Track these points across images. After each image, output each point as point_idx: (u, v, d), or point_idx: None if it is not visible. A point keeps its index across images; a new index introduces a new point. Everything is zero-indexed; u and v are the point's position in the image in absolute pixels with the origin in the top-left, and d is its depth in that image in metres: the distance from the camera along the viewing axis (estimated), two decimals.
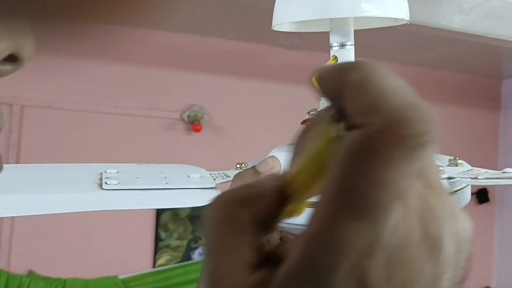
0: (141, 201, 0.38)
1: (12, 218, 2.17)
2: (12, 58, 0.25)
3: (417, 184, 0.20)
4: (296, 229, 0.38)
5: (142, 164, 0.45)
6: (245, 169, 0.40)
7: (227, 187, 0.40)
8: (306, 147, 0.22)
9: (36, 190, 0.37)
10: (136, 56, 2.35)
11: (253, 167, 0.39)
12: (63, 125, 2.25)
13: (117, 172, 0.41)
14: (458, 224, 0.21)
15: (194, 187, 0.40)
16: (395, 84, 0.19)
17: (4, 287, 2.02)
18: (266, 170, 0.39)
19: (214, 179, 0.42)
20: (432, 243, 0.20)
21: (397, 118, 0.18)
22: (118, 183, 0.38)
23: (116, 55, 2.33)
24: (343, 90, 0.20)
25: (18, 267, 2.14)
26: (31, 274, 2.12)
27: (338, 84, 0.21)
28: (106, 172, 0.40)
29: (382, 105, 0.19)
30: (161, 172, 0.42)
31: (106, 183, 0.38)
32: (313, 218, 0.20)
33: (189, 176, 0.41)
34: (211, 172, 0.44)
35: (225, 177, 0.42)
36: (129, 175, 0.41)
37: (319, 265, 0.19)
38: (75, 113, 2.26)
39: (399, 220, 0.19)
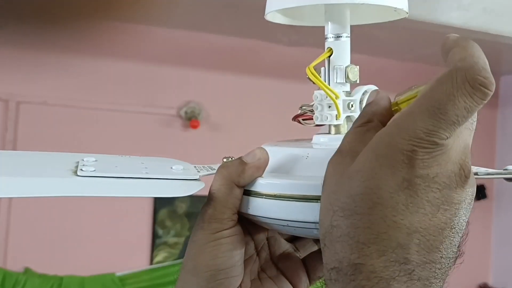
0: (118, 189, 0.36)
1: (8, 214, 2.16)
2: None
3: (467, 125, 0.29)
4: (283, 225, 0.37)
5: (123, 155, 0.44)
6: (231, 160, 0.39)
7: (211, 179, 0.39)
8: (408, 90, 0.33)
9: (7, 173, 0.36)
10: (133, 52, 2.34)
11: (240, 157, 0.39)
12: (59, 121, 2.24)
13: (95, 160, 0.39)
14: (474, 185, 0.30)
15: (175, 177, 0.38)
16: (483, 58, 0.29)
17: (1, 284, 2.01)
18: (253, 161, 0.38)
19: (198, 171, 0.40)
20: (464, 172, 0.29)
21: (476, 68, 0.27)
22: (95, 170, 0.36)
23: (113, 51, 2.32)
24: (452, 49, 0.30)
25: (14, 265, 2.13)
26: (27, 271, 2.12)
27: (450, 45, 0.30)
28: (83, 160, 0.39)
29: (469, 58, 0.28)
30: (142, 163, 0.41)
31: (81, 169, 0.36)
32: (400, 113, 0.29)
33: (171, 168, 0.40)
34: (196, 165, 0.43)
35: (209, 169, 0.41)
36: (107, 163, 0.39)
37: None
38: (71, 110, 2.25)
39: (449, 135, 0.28)
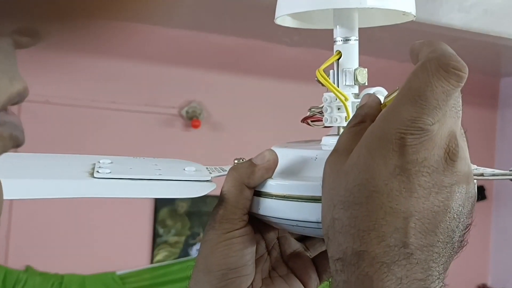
0: (133, 190, 0.38)
1: (10, 213, 2.16)
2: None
3: (451, 113, 0.31)
4: (292, 225, 0.38)
5: (137, 157, 0.45)
6: (241, 162, 0.40)
7: (222, 180, 0.40)
8: (394, 91, 0.35)
9: (26, 175, 0.37)
10: (135, 51, 2.34)
11: (250, 159, 0.40)
12: (60, 120, 2.24)
13: (111, 162, 0.41)
14: (471, 175, 0.32)
15: (188, 179, 0.40)
16: (450, 49, 0.32)
17: (2, 283, 2.02)
18: (263, 162, 0.39)
19: (210, 173, 0.41)
20: (449, 155, 0.30)
21: (446, 55, 0.30)
22: (110, 172, 0.38)
23: (114, 50, 2.32)
24: (420, 49, 0.33)
25: (15, 263, 2.13)
26: (28, 269, 2.12)
27: (418, 47, 0.33)
28: (99, 162, 0.41)
29: (439, 48, 0.31)
30: (156, 165, 0.42)
31: (98, 171, 0.38)
32: (386, 108, 0.32)
33: (184, 169, 0.41)
34: (208, 166, 0.44)
35: (221, 171, 0.42)
36: (122, 165, 0.41)
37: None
38: (72, 109, 2.25)
39: (433, 120, 0.30)
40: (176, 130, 2.41)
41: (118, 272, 2.25)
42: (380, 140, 0.30)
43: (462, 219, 0.31)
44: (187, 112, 2.39)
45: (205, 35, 2.40)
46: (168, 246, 2.41)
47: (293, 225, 0.38)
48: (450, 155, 0.31)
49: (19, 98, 0.26)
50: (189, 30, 2.37)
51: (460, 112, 0.32)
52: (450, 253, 0.31)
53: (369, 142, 0.31)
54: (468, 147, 0.34)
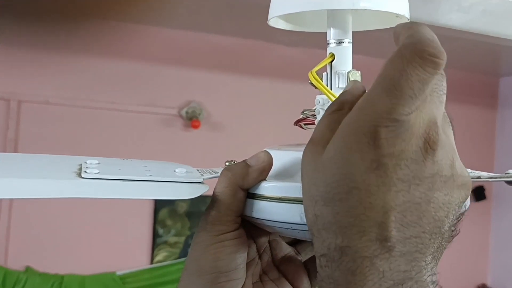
0: (122, 191, 0.37)
1: (10, 214, 2.16)
2: None
3: (432, 99, 0.30)
4: (286, 228, 0.37)
5: (125, 159, 0.44)
6: (235, 163, 0.39)
7: (214, 182, 0.39)
8: None
9: (11, 175, 0.36)
10: (134, 52, 2.35)
11: (244, 160, 0.39)
12: (60, 120, 2.24)
13: (98, 163, 0.40)
14: (456, 161, 0.30)
15: (179, 180, 0.39)
16: (430, 32, 0.30)
17: (2, 283, 2.02)
18: (257, 164, 0.38)
19: (202, 175, 0.40)
20: (429, 145, 0.29)
21: (423, 41, 0.29)
22: (99, 173, 0.37)
23: (114, 51, 2.32)
24: (400, 32, 0.31)
25: (15, 263, 2.14)
26: (28, 270, 2.12)
27: (399, 31, 0.31)
28: (86, 162, 0.39)
29: (415, 34, 0.29)
30: (145, 166, 0.41)
31: (85, 171, 0.37)
32: (361, 98, 0.30)
33: (175, 171, 0.40)
34: (199, 168, 0.43)
35: (213, 173, 0.41)
36: (110, 166, 0.39)
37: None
38: (72, 109, 2.26)
39: (409, 110, 0.28)
40: (175, 130, 2.41)
41: (118, 272, 2.25)
42: (355, 134, 0.29)
43: (451, 209, 0.30)
44: (186, 112, 2.39)
45: (204, 35, 2.40)
46: (168, 246, 2.41)
47: (287, 228, 0.37)
48: (430, 144, 0.29)
49: None
50: (188, 30, 2.37)
51: (444, 96, 0.31)
52: (440, 243, 0.30)
53: (345, 135, 0.30)
54: (454, 133, 0.32)
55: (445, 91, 0.32)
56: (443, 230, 0.30)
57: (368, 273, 0.28)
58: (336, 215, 0.29)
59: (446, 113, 0.33)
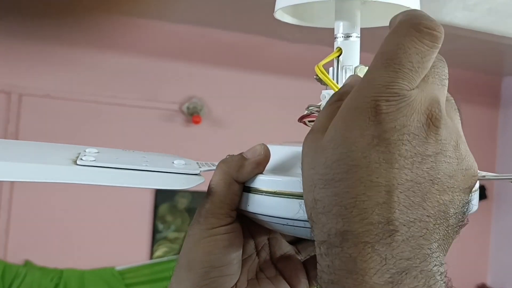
0: (117, 179, 0.36)
1: (9, 207, 2.16)
2: None
3: (434, 81, 0.29)
4: (282, 224, 0.36)
5: (127, 150, 0.44)
6: (232, 155, 0.38)
7: (211, 175, 0.38)
8: None
9: (7, 158, 0.36)
10: (136, 46, 2.34)
11: (241, 153, 0.38)
12: (61, 114, 2.24)
13: (97, 152, 0.39)
14: (460, 144, 0.29)
15: (176, 171, 0.38)
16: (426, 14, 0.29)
17: (1, 277, 2.02)
18: (254, 156, 0.37)
19: (200, 167, 0.40)
20: (432, 121, 0.28)
21: (418, 15, 0.29)
22: (94, 160, 0.37)
23: (116, 45, 2.32)
24: (396, 18, 0.31)
25: (14, 257, 2.13)
26: (27, 264, 2.12)
27: (393, 19, 0.31)
28: (85, 151, 0.39)
29: (411, 11, 0.30)
30: (144, 157, 0.41)
31: (81, 159, 0.37)
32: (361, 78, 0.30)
33: (173, 162, 0.40)
34: (198, 161, 0.42)
35: (211, 165, 0.41)
36: (108, 155, 0.39)
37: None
38: (73, 103, 2.25)
39: (410, 85, 0.28)
40: (176, 125, 2.40)
41: (118, 268, 2.25)
42: (355, 111, 0.28)
43: (456, 193, 0.28)
44: (188, 107, 2.38)
45: (207, 30, 2.39)
46: (168, 242, 2.40)
47: (283, 224, 0.36)
48: (433, 121, 0.28)
49: None
50: (191, 25, 2.36)
51: (446, 81, 0.30)
52: (446, 231, 0.28)
53: (345, 114, 0.29)
54: (462, 121, 0.31)
55: (447, 76, 0.31)
56: (448, 215, 0.28)
57: (370, 260, 0.26)
58: (336, 197, 0.28)
59: (453, 101, 0.32)
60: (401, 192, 0.27)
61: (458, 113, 0.32)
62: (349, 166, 0.27)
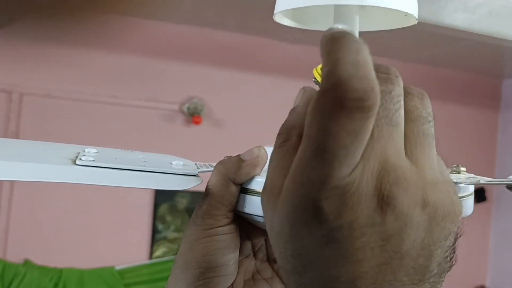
0: (115, 179, 0.37)
1: (9, 206, 2.16)
2: None
3: (379, 132, 0.24)
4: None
5: (126, 150, 0.44)
6: (229, 157, 0.38)
7: (208, 176, 0.39)
8: None
9: (5, 158, 0.36)
10: (137, 46, 2.34)
11: (238, 155, 0.38)
12: (61, 113, 2.24)
13: (97, 152, 0.40)
14: (430, 194, 0.25)
15: (174, 172, 0.38)
16: (352, 57, 0.23)
17: (0, 276, 2.02)
18: (251, 158, 0.37)
19: (198, 168, 0.40)
20: (385, 201, 0.24)
21: (343, 81, 0.23)
22: (93, 160, 0.37)
23: (117, 45, 2.32)
24: (322, 52, 0.25)
25: (14, 256, 2.14)
26: (27, 263, 2.12)
27: (321, 47, 0.25)
28: (84, 151, 0.40)
29: (332, 73, 0.23)
30: (143, 157, 0.41)
31: (80, 159, 0.37)
32: (293, 162, 0.26)
33: (171, 163, 0.40)
34: (197, 162, 0.43)
35: (209, 166, 0.41)
36: (108, 155, 0.39)
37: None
38: (73, 102, 2.25)
39: (350, 169, 0.24)
40: (177, 126, 2.41)
41: (117, 267, 2.25)
42: (297, 209, 0.25)
43: (434, 248, 0.26)
44: (188, 108, 2.38)
45: (208, 31, 2.39)
46: (167, 242, 2.41)
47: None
48: (386, 200, 0.24)
49: None
50: (191, 25, 2.37)
51: (398, 114, 0.26)
52: (432, 281, 0.26)
53: (287, 208, 0.26)
54: (436, 143, 0.27)
55: (399, 99, 0.26)
56: (428, 274, 0.26)
57: None
58: (304, 286, 0.26)
59: (424, 109, 0.27)
60: (366, 279, 0.25)
61: (429, 136, 0.27)
62: (305, 262, 0.26)
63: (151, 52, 2.36)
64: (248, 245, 0.42)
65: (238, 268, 0.39)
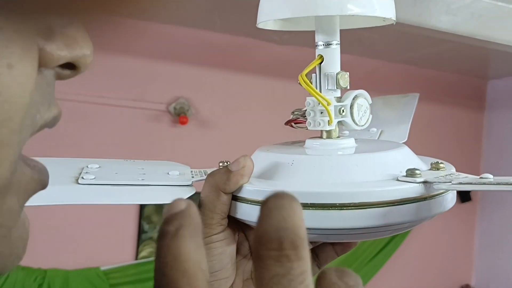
0: (113, 196, 0.39)
1: None
2: (71, 65, 0.26)
3: None
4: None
5: (128, 160, 0.46)
6: (218, 169, 0.41)
7: (201, 184, 0.41)
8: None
9: None
10: (123, 46, 2.33)
11: (225, 166, 0.40)
12: None
13: (99, 167, 0.41)
14: None
15: (169, 184, 0.41)
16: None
17: None
18: (238, 169, 0.39)
19: (192, 177, 0.42)
20: None
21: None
22: (94, 178, 0.39)
23: (102, 45, 2.30)
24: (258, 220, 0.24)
25: None
26: None
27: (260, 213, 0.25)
28: (87, 167, 0.41)
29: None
30: (142, 169, 0.43)
31: (82, 177, 0.39)
32: None
33: (168, 173, 0.42)
34: (193, 170, 0.45)
35: (204, 175, 0.43)
36: (108, 170, 0.41)
37: None
38: (59, 102, 2.23)
39: None
40: (163, 126, 2.40)
41: (102, 268, 2.24)
42: None
43: None
44: (174, 108, 2.38)
45: (195, 31, 2.39)
46: (153, 242, 2.40)
47: None
48: None
49: (53, 122, 0.28)
50: (178, 26, 2.36)
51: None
52: None
53: None
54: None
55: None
56: None
57: None
58: None
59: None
60: None
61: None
62: None
63: (137, 52, 2.36)
64: (245, 245, 0.44)
65: (237, 268, 0.41)
